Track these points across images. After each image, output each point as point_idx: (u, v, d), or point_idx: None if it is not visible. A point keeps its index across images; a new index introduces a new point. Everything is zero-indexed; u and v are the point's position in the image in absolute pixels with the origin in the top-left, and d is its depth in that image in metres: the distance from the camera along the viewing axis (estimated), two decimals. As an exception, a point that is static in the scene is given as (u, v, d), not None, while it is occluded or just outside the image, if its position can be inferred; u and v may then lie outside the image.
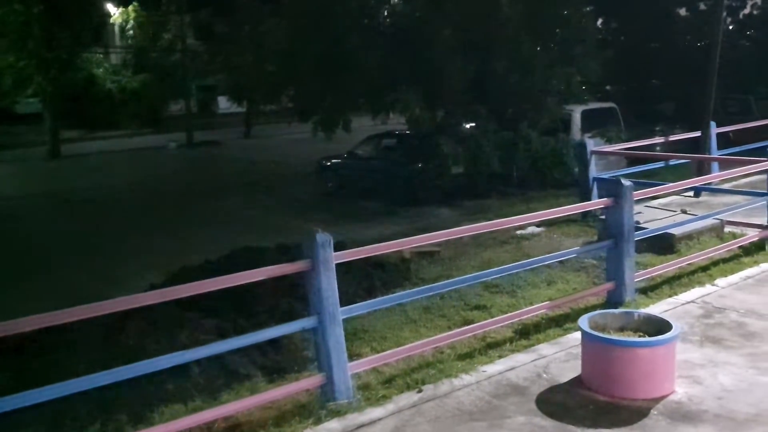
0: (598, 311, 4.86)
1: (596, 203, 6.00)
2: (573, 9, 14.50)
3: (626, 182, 6.00)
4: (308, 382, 4.31)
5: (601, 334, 4.38)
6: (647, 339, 4.33)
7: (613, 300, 6.04)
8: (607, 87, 23.02)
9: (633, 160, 12.04)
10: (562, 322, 5.66)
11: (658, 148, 17.10)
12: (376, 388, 4.51)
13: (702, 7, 20.75)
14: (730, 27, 20.97)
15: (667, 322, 4.49)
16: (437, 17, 13.35)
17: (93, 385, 3.72)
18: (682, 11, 21.14)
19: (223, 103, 31.48)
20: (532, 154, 12.93)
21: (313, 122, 14.51)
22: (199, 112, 33.03)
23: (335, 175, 15.11)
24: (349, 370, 4.33)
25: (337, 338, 4.17)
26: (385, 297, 4.88)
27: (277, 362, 4.99)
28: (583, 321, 4.54)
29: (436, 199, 13.00)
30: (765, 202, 7.66)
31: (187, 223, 12.83)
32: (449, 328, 5.66)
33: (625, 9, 20.63)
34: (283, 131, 24.20)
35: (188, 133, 28.06)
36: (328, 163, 15.34)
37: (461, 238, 8.36)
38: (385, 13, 15.05)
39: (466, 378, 4.71)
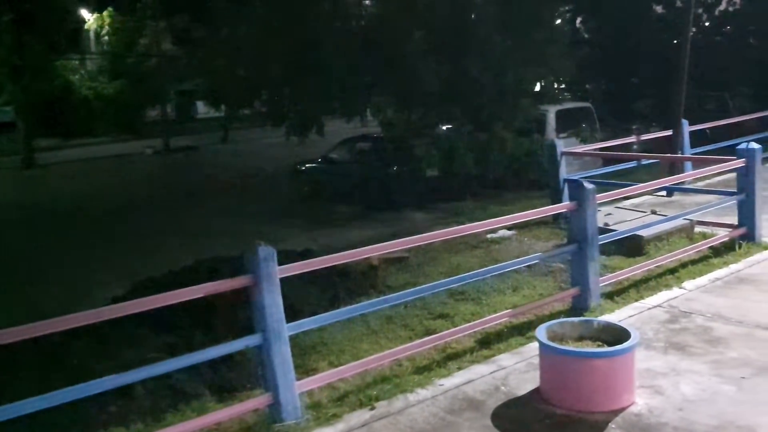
0: (556, 320, 4.72)
1: (559, 207, 5.88)
2: (548, 9, 14.40)
3: (588, 185, 5.87)
4: (255, 402, 4.14)
5: (556, 345, 4.24)
6: (603, 350, 4.20)
7: (578, 306, 5.91)
8: (587, 86, 23.06)
9: (609, 160, 11.98)
10: (525, 330, 5.52)
11: (635, 147, 17.16)
12: (327, 407, 4.34)
13: (678, 4, 20.74)
14: (706, 24, 20.99)
15: (627, 330, 4.36)
16: (408, 18, 13.19)
17: (27, 411, 3.53)
18: (659, 9, 21.11)
19: (201, 108, 31.17)
20: (507, 155, 12.81)
21: (285, 126, 14.32)
22: (177, 118, 32.71)
23: (310, 180, 14.94)
24: (298, 389, 4.16)
25: (283, 356, 4.01)
26: (335, 311, 4.70)
27: (228, 380, 4.82)
28: (540, 331, 4.40)
29: (411, 203, 12.85)
30: (736, 202, 7.55)
31: (159, 232, 12.59)
32: (411, 339, 5.51)
33: (603, 8, 20.60)
34: (260, 135, 23.99)
35: (165, 139, 27.77)
36: (303, 168, 15.17)
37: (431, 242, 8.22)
38: (357, 15, 14.87)
39: (422, 393, 4.56)
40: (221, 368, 4.95)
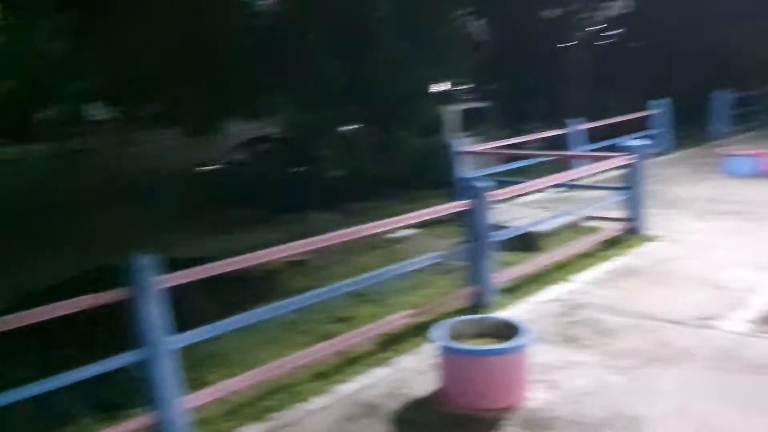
0: (453, 319, 4.70)
1: (453, 206, 5.90)
2: (448, 9, 14.58)
3: (481, 184, 5.92)
4: (138, 422, 3.89)
5: (452, 345, 4.22)
6: (499, 347, 4.20)
7: (477, 303, 5.95)
8: (492, 86, 23.56)
9: (510, 158, 12.23)
10: (425, 329, 5.46)
11: (536, 146, 17.49)
12: (219, 422, 4.15)
13: (571, 6, 21.54)
14: (605, 24, 21.93)
15: (522, 326, 4.39)
16: (308, 16, 13.02)
17: None
18: (558, 11, 21.82)
19: (97, 109, 29.75)
20: (409, 155, 12.87)
21: (183, 127, 13.83)
22: (72, 119, 31.08)
23: (211, 183, 14.49)
24: (186, 405, 3.94)
25: (167, 371, 3.78)
26: (225, 321, 4.49)
27: (111, 399, 4.52)
28: (438, 330, 4.38)
29: (316, 204, 12.68)
30: (623, 196, 7.84)
31: (49, 240, 11.85)
32: (310, 345, 5.37)
33: (502, 10, 21.09)
34: (159, 137, 23.10)
35: (59, 142, 26.30)
36: (203, 170, 14.70)
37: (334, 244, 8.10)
38: (256, 13, 14.55)
39: (320, 401, 4.44)
40: (104, 386, 4.63)
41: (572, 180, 9.19)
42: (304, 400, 4.41)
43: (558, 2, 20.99)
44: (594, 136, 13.46)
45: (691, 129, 16.01)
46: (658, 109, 13.64)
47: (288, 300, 4.87)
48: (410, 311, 5.59)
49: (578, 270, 6.80)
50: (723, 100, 15.36)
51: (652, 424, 3.86)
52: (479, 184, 5.94)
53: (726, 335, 5.00)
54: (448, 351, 4.18)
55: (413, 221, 6.03)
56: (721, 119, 15.40)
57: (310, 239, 5.26)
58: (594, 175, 10.36)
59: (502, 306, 5.94)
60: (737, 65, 24.25)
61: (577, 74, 10.04)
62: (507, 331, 4.43)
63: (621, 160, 7.73)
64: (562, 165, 10.61)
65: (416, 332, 5.46)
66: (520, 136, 12.42)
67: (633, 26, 22.48)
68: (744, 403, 4.01)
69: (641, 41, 23.23)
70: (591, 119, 13.20)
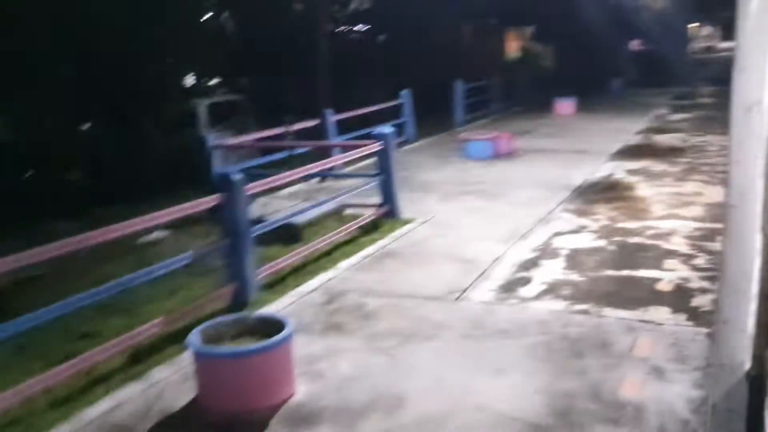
0: (210, 321, 4.40)
1: (206, 201, 5.57)
2: (190, 2, 13.95)
3: (235, 177, 5.66)
4: None
5: (207, 349, 3.93)
6: (257, 345, 3.99)
7: (238, 301, 5.69)
8: (245, 79, 23.13)
9: (267, 151, 12.04)
10: (182, 336, 5.05)
11: (289, 137, 17.45)
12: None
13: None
14: (342, 20, 22.58)
15: (283, 320, 4.23)
16: (33, 13, 11.60)
17: None
18: (300, 6, 22.04)
19: None
20: (158, 152, 12.09)
21: None
22: None
23: None
24: None
25: None
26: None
27: None
28: (193, 336, 4.04)
29: (52, 211, 11.37)
30: (377, 183, 8.06)
31: None
32: (48, 369, 4.70)
33: (250, 2, 20.77)
34: None
35: None
36: None
37: (76, 253, 7.25)
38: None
39: (61, 430, 3.87)
40: None
41: (326, 169, 9.27)
42: (43, 430, 3.82)
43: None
44: (349, 126, 13.81)
45: (435, 118, 17.16)
46: (404, 100, 14.32)
47: (13, 321, 4.18)
48: (164, 318, 5.15)
49: (340, 257, 6.83)
50: (460, 90, 16.64)
51: (414, 399, 3.93)
52: (233, 178, 5.67)
53: (475, 305, 5.31)
54: (202, 356, 3.88)
55: (162, 221, 5.58)
56: (460, 108, 16.69)
57: (38, 249, 4.59)
58: (350, 163, 10.62)
59: (266, 302, 5.74)
60: (469, 59, 26.69)
61: (329, 67, 10.12)
62: (268, 327, 4.24)
63: (371, 147, 7.93)
64: (322, 155, 10.69)
65: (172, 341, 5.05)
66: (276, 128, 12.29)
67: (379, 21, 23.59)
68: (491, 366, 4.26)
69: (387, 36, 24.48)
70: (346, 110, 13.53)
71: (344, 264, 6.61)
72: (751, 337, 0.75)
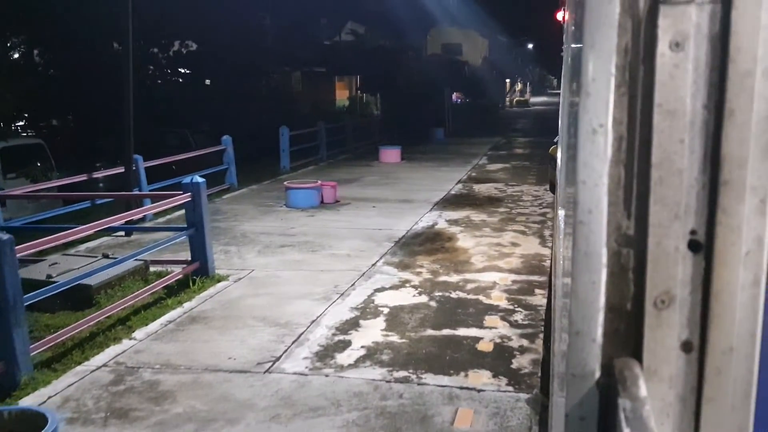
0: (-55, 423, 3.50)
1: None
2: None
3: (3, 236, 4.75)
4: None
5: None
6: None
7: (6, 386, 4.73)
8: (53, 122, 21.18)
9: (70, 201, 10.82)
10: None
11: (101, 185, 16.08)
12: None
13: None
14: (163, 62, 21.47)
15: (45, 414, 3.44)
16: None
17: None
18: (115, 45, 20.69)
19: None
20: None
21: None
22: None
23: None
24: None
25: None
26: None
27: None
28: None
29: None
30: (186, 237, 7.34)
31: None
32: None
33: (59, 39, 19.13)
34: None
35: None
36: None
37: None
38: None
39: None
40: None
41: (129, 221, 8.39)
42: None
43: (116, 36, 19.99)
44: (168, 172, 12.88)
45: (261, 164, 16.63)
46: (226, 146, 13.65)
47: None
48: None
49: (138, 324, 6.02)
50: (286, 136, 16.26)
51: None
52: (2, 236, 4.75)
53: (286, 379, 4.78)
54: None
55: None
56: (286, 155, 16.27)
57: None
58: (163, 214, 9.76)
59: (41, 383, 4.82)
60: (298, 105, 26.58)
61: (127, 110, 9.20)
62: (27, 425, 3.43)
63: (180, 198, 7.22)
64: (131, 205, 9.76)
65: None
66: (83, 174, 11.13)
67: (206, 65, 22.78)
68: (304, 454, 3.74)
69: (214, 79, 23.70)
70: (162, 155, 12.62)
71: (141, 333, 5.81)
72: (600, 347, 0.91)
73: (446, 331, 5.67)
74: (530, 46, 70.84)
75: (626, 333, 0.89)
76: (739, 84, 0.80)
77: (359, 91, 35.99)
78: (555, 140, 9.69)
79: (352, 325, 5.84)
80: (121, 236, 9.36)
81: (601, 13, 0.84)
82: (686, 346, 0.86)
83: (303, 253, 8.41)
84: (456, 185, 13.85)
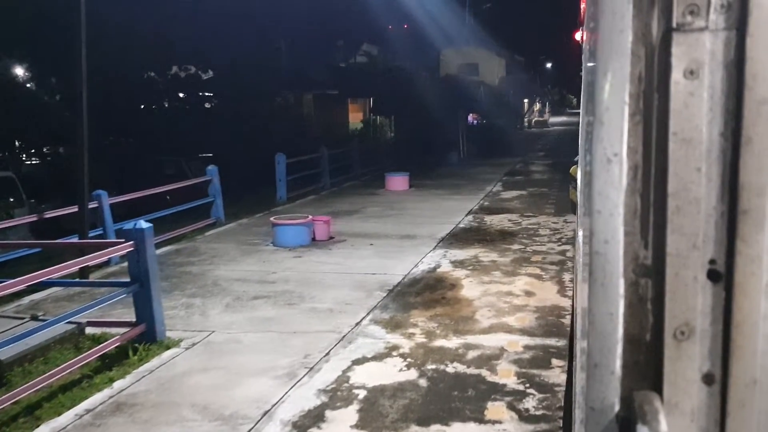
0: None
1: None
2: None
3: None
4: None
5: None
6: None
7: None
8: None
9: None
10: None
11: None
12: None
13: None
14: (161, 86, 20.53)
15: None
16: None
17: None
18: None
19: None
20: None
21: None
22: None
23: None
24: None
25: None
26: None
27: None
28: None
29: None
30: (130, 294, 6.10)
31: None
32: None
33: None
34: None
35: None
36: None
37: None
38: None
39: None
40: None
41: (83, 270, 7.20)
42: None
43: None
44: (155, 205, 11.70)
45: (261, 194, 15.46)
46: (211, 176, 12.44)
47: None
48: None
49: (50, 413, 4.77)
50: (283, 165, 15.06)
51: None
52: None
53: None
54: None
55: None
56: (282, 184, 15.06)
57: None
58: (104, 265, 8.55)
59: None
60: (305, 129, 25.46)
61: (81, 138, 8.00)
62: None
63: (122, 247, 6.00)
64: (77, 253, 8.55)
65: None
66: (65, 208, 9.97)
67: (208, 88, 21.87)
68: None
69: (215, 103, 22.71)
70: (165, 184, 11.55)
71: (46, 428, 4.55)
72: (619, 379, 0.85)
73: (435, 428, 4.35)
74: (549, 65, 69.71)
75: (646, 365, 0.87)
76: (756, 111, 0.79)
77: (372, 114, 34.91)
78: (575, 159, 8.62)
79: (314, 419, 4.52)
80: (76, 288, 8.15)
81: (613, 42, 0.84)
82: (708, 379, 0.85)
83: (277, 307, 7.14)
84: (466, 217, 12.53)
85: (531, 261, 8.94)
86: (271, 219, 10.52)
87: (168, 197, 13.21)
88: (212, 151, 20.08)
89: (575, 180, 7.47)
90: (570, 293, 7.31)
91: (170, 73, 20.61)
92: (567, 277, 8.04)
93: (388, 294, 7.51)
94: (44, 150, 19.90)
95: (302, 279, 8.25)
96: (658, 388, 0.84)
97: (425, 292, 7.57)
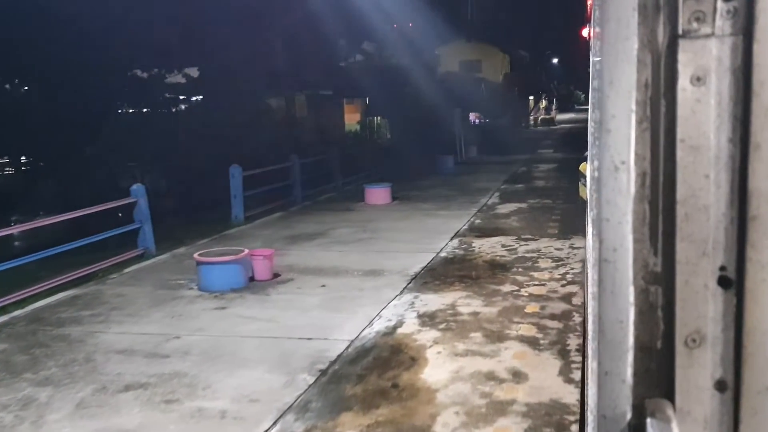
0: None
1: None
2: None
3: None
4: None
5: None
6: None
7: None
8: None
9: None
10: None
11: (16, 244, 13.40)
12: None
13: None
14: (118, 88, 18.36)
15: None
16: None
17: None
18: None
19: None
20: None
21: None
22: None
23: None
24: None
25: None
26: None
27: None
28: None
29: None
30: None
31: None
32: None
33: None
34: None
35: None
36: None
37: None
38: None
39: None
40: None
41: None
42: None
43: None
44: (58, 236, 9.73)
45: (214, 215, 13.28)
46: (136, 197, 10.16)
47: None
48: None
49: None
50: (238, 178, 12.78)
51: None
52: None
53: None
54: None
55: None
56: (238, 202, 12.79)
57: None
58: None
59: None
60: (297, 132, 23.22)
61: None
62: None
63: None
64: None
65: None
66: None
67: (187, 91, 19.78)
68: None
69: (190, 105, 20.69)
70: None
71: None
72: (630, 387, 0.85)
73: None
74: (555, 60, 67.21)
75: (657, 373, 0.86)
76: (764, 117, 0.79)
77: (367, 115, 32.70)
78: (585, 155, 7.36)
79: None
80: None
81: (619, 49, 0.83)
82: (720, 386, 0.84)
83: (149, 408, 4.89)
84: (450, 241, 10.26)
85: (525, 313, 6.67)
86: (195, 255, 8.25)
87: (120, 214, 11.35)
88: (180, 161, 17.99)
89: (584, 177, 6.92)
90: (576, 374, 5.07)
91: (129, 73, 18.43)
92: (573, 343, 5.77)
93: (317, 379, 5.26)
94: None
95: (209, 349, 6.01)
96: (670, 396, 0.83)
97: (371, 375, 5.31)
